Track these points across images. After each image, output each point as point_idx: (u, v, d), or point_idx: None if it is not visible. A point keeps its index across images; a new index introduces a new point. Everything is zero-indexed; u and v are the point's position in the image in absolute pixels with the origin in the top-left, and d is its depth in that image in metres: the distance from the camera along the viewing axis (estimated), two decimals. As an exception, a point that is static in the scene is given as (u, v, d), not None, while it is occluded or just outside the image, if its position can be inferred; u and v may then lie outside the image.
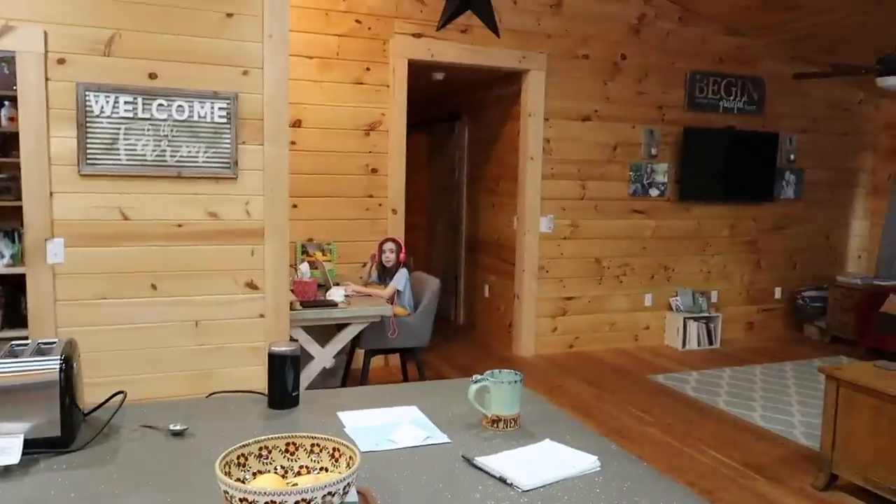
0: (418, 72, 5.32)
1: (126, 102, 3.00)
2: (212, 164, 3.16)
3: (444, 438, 1.46)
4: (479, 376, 1.54)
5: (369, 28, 4.88)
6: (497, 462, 1.34)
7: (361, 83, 4.90)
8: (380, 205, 5.01)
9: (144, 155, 3.05)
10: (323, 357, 3.87)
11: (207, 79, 3.12)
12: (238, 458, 1.15)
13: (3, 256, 3.83)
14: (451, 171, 6.93)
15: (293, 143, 4.69)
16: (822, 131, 6.51)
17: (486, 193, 6.26)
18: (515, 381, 1.52)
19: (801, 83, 6.30)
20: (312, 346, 3.84)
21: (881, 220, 6.69)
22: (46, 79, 2.91)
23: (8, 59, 3.57)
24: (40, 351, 1.45)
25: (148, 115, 3.04)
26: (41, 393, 1.36)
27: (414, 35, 4.99)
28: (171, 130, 3.08)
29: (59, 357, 1.39)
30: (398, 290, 4.25)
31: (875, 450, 3.04)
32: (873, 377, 3.13)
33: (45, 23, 2.90)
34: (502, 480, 1.28)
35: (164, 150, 3.08)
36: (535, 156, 5.47)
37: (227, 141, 3.17)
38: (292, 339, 3.61)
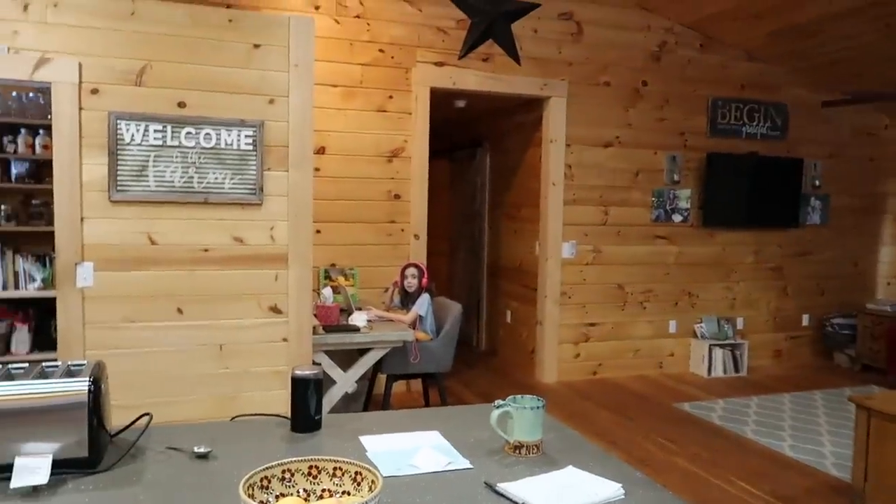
0: (440, 99, 5.38)
1: (156, 131, 3.08)
2: (238, 191, 3.21)
3: (465, 464, 1.46)
4: (501, 402, 1.54)
5: (392, 57, 4.96)
6: (519, 489, 1.33)
7: (384, 111, 4.97)
8: (402, 230, 5.04)
9: (173, 181, 3.11)
10: (345, 381, 3.87)
11: (234, 107, 3.19)
12: (261, 480, 1.16)
13: (34, 280, 3.92)
14: (473, 197, 6.95)
15: (317, 169, 4.75)
16: (847, 157, 6.45)
17: (507, 219, 6.27)
18: (538, 407, 1.51)
19: (825, 109, 6.26)
20: (335, 371, 3.85)
21: (910, 247, 6.57)
22: (80, 108, 3.00)
23: (44, 90, 3.69)
24: (70, 373, 1.48)
25: (177, 143, 3.11)
26: (70, 414, 1.38)
27: (436, 64, 5.06)
28: (199, 158, 3.14)
29: (87, 379, 1.41)
30: (420, 316, 4.25)
31: (909, 482, 2.95)
32: (905, 407, 3.05)
33: (80, 55, 3.00)
34: (525, 507, 1.26)
35: (192, 177, 3.14)
36: (557, 182, 5.48)
37: (253, 167, 3.22)
38: (315, 364, 3.62)
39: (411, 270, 4.37)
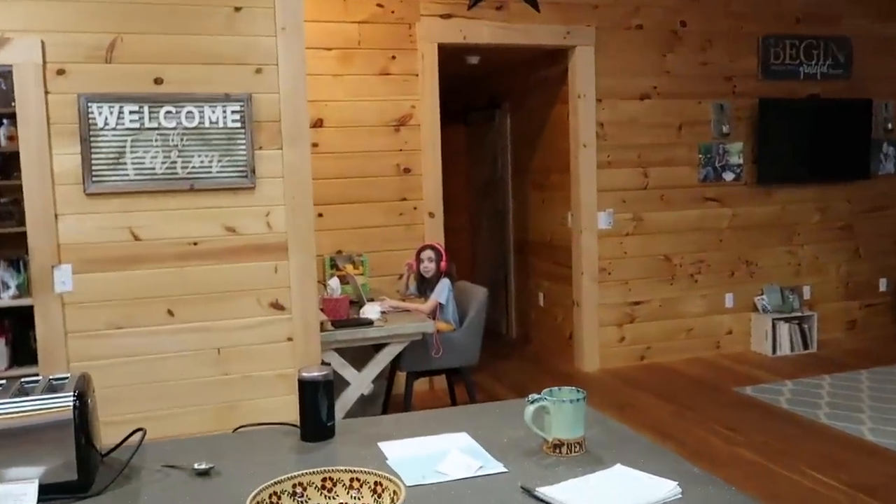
0: (450, 57, 5.35)
1: (131, 112, 3.09)
2: (227, 174, 3.22)
3: (499, 468, 1.46)
4: (536, 396, 1.53)
5: (392, 12, 4.92)
6: (562, 492, 1.33)
7: (387, 74, 4.94)
8: (415, 208, 5.04)
9: (154, 168, 3.13)
10: (360, 382, 3.90)
11: (217, 80, 3.19)
12: (270, 496, 1.17)
13: (8, 287, 3.98)
14: (494, 165, 6.93)
15: (315, 145, 4.75)
16: (923, 94, 6.32)
17: (534, 188, 6.24)
18: (578, 400, 1.51)
19: (893, 41, 6.12)
20: (347, 371, 3.87)
21: None
22: (46, 92, 3.02)
23: (5, 74, 3.71)
24: (52, 388, 1.50)
25: (155, 125, 3.12)
26: (55, 433, 1.40)
27: (442, 16, 5.01)
28: (181, 139, 3.15)
29: (72, 393, 1.43)
30: (440, 304, 4.26)
31: None
32: None
33: (42, 31, 3.01)
34: (568, 513, 1.26)
35: (175, 162, 3.15)
36: (589, 142, 5.43)
37: (243, 147, 3.22)
38: (324, 364, 3.64)
39: (427, 253, 4.37)
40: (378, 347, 4.00)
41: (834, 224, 6.14)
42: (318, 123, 4.82)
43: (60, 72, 3.03)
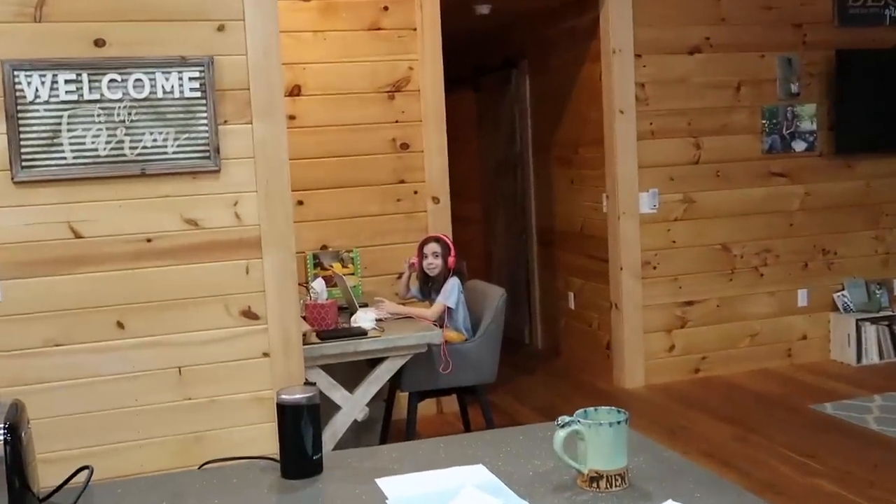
0: (455, 7, 5.33)
1: (67, 81, 3.09)
2: (185, 155, 3.22)
3: (524, 507, 1.46)
4: (567, 418, 1.53)
5: (383, -48, 4.93)
6: (600, 535, 1.33)
7: (379, 29, 4.94)
8: (415, 192, 5.04)
9: (96, 149, 3.14)
10: (352, 406, 3.91)
11: (171, 40, 3.19)
12: (245, 547, 1.17)
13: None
14: (511, 138, 6.92)
15: (292, 118, 4.75)
16: None
17: (560, 165, 6.23)
18: (619, 422, 1.50)
19: None
20: (337, 392, 3.88)
21: None
22: (-38, 59, 3.02)
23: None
24: (-22, 419, 1.50)
25: (97, 96, 3.12)
26: (-18, 474, 1.40)
27: (445, -44, 5.01)
28: (129, 114, 3.15)
29: (2, 426, 1.44)
30: (449, 308, 4.26)
31: None
32: None
33: (-44, -16, 3.02)
34: (609, 560, 1.26)
35: (122, 141, 3.16)
36: (627, 108, 5.42)
37: (204, 122, 3.23)
38: (309, 384, 3.65)
39: (432, 247, 4.37)
40: (374, 363, 4.00)
41: (930, 202, 6.11)
42: (295, 91, 4.82)
43: (-20, 34, 3.04)
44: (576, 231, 6.08)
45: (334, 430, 3.87)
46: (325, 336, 3.86)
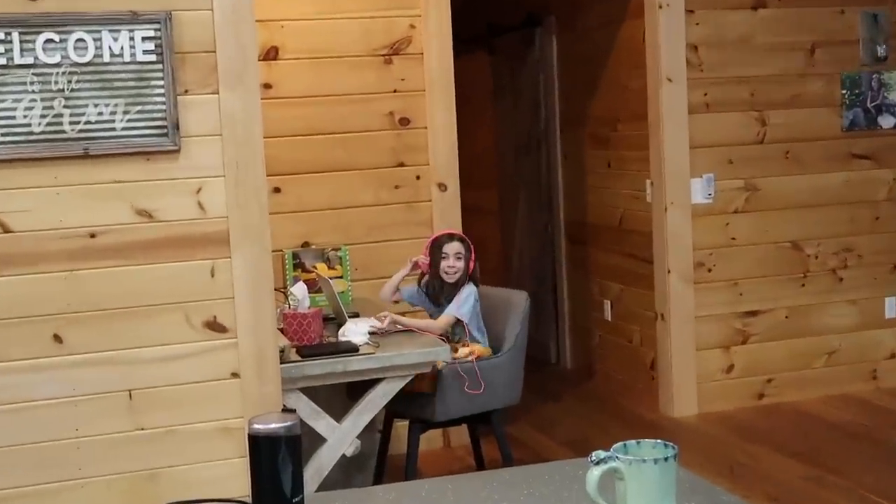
0: (466, -50, 5.34)
1: (-6, 41, 3.10)
2: (138, 132, 3.20)
3: (551, 562, 1.45)
4: (603, 453, 1.53)
5: None
6: None
7: (373, -22, 4.94)
8: (418, 178, 5.04)
9: (29, 124, 3.12)
10: (340, 438, 3.90)
11: (121, -8, 3.19)
12: None
13: None
14: (534, 112, 6.91)
15: (267, 86, 4.75)
16: None
17: (594, 145, 6.22)
18: (667, 459, 1.50)
19: None
20: (321, 421, 3.87)
21: None
22: None
23: None
24: None
25: (30, 60, 3.11)
26: None
27: None
28: (69, 82, 3.14)
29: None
30: (460, 320, 4.27)
31: None
32: None
33: None
34: None
35: (61, 115, 3.15)
36: (676, 75, 5.41)
37: (160, 91, 3.21)
38: (287, 410, 3.65)
39: (455, 246, 4.33)
40: (367, 386, 4.00)
41: None
42: (271, 54, 4.81)
43: None
44: (613, 225, 6.07)
45: (318, 467, 3.86)
46: (307, 353, 3.84)
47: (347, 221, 4.97)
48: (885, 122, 5.76)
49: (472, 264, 4.35)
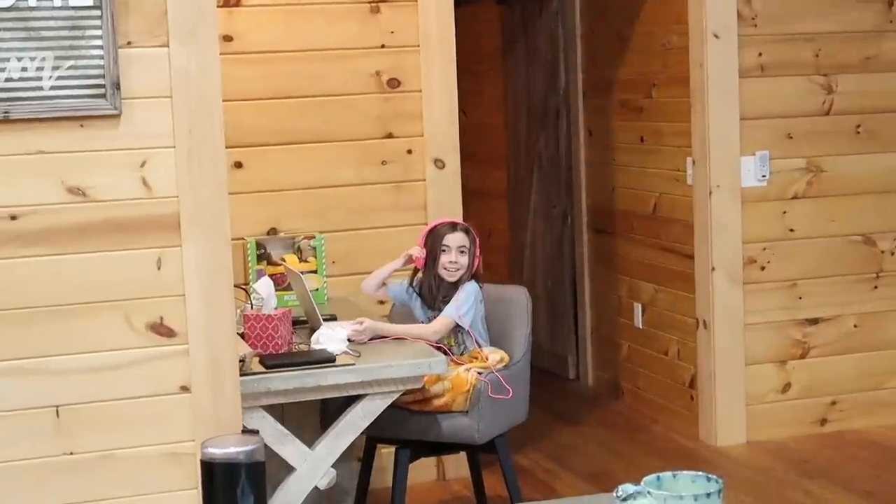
0: None
1: None
2: (70, 92, 3.20)
3: None
4: (631, 487, 1.53)
5: None
6: None
7: None
8: (409, 152, 5.04)
9: (-63, 82, 3.14)
10: (312, 466, 3.90)
11: (50, -79, 3.18)
12: None
13: None
14: (552, 73, 6.91)
15: (228, 39, 4.75)
16: None
17: (623, 115, 6.23)
18: (709, 495, 1.50)
19: None
20: (290, 446, 3.87)
21: None
22: None
23: None
24: None
25: (-63, 2, 3.12)
26: None
27: None
28: (-14, 29, 3.15)
29: None
30: (458, 325, 4.27)
31: None
32: None
33: None
34: None
35: (-25, 70, 3.16)
36: (724, 31, 5.41)
37: (97, 43, 3.20)
38: (249, 432, 3.65)
39: (458, 238, 4.32)
40: (344, 404, 4.01)
41: None
42: (232, 0, 4.80)
43: None
44: (646, 213, 6.08)
45: (286, 502, 3.85)
46: (272, 363, 3.84)
47: (323, 204, 4.97)
48: (979, 90, 5.77)
49: (476, 260, 4.36)
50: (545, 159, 7.06)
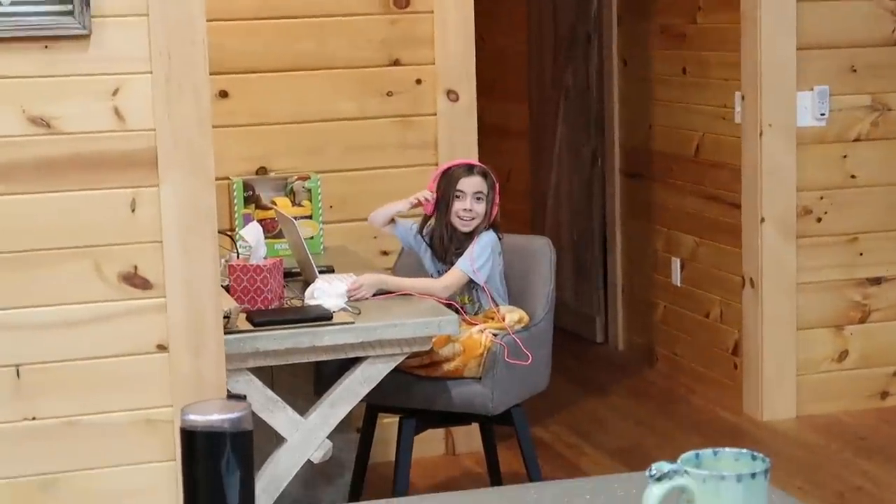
0: None
1: None
2: (31, 9, 3.20)
3: None
4: (667, 465, 1.53)
5: None
6: None
7: None
8: (418, 82, 5.04)
9: None
10: (306, 437, 3.92)
11: None
12: None
13: None
14: (581, -5, 6.88)
15: (212, -51, 4.74)
16: None
17: (664, 43, 6.23)
18: (754, 475, 1.50)
19: None
20: (280, 414, 3.89)
21: None
22: None
23: None
24: None
25: None
26: None
27: None
28: (-63, -65, 3.14)
29: None
30: (473, 280, 4.29)
31: None
32: None
33: None
34: None
35: (-76, -17, 3.15)
36: (779, -53, 5.39)
37: (64, -48, 3.21)
38: (234, 398, 3.66)
39: (475, 182, 4.32)
40: (342, 367, 4.02)
41: None
42: None
43: None
44: (688, 155, 6.07)
45: (275, 476, 3.88)
46: (261, 320, 3.85)
47: (320, 141, 4.98)
48: None
49: (494, 208, 4.36)
50: (573, 92, 7.05)
